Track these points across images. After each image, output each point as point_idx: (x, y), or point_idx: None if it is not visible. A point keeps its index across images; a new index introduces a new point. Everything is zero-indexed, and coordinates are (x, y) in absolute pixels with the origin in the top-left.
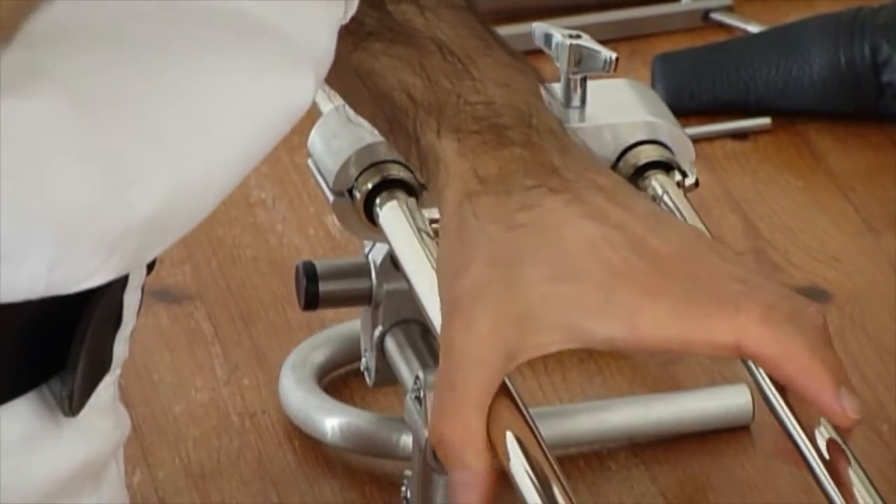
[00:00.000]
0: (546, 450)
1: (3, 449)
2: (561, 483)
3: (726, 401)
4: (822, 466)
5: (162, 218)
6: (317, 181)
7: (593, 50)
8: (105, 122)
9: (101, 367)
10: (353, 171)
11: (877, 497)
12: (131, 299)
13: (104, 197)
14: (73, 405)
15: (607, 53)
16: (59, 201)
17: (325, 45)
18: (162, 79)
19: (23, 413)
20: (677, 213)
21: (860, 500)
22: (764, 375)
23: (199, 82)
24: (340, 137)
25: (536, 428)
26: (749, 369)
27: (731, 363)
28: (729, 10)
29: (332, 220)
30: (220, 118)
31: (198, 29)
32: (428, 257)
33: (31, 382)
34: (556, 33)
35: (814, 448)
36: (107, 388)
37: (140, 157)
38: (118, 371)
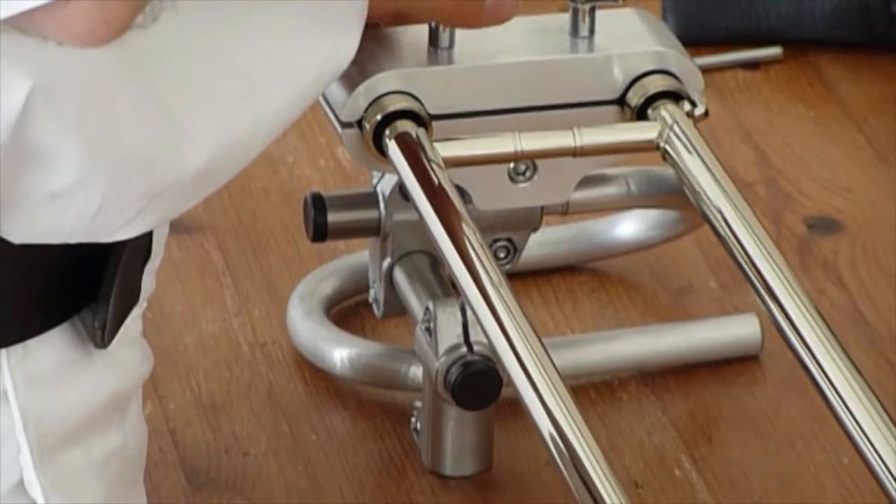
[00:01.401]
0: (557, 379)
1: (37, 379)
2: (573, 413)
3: (736, 330)
4: (834, 394)
5: (206, 172)
6: (326, 113)
7: None
8: (161, 78)
9: (130, 299)
10: (363, 103)
11: (890, 424)
12: (161, 232)
13: (160, 149)
14: (104, 337)
15: None
16: (119, 149)
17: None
18: (215, 39)
19: (57, 344)
20: (687, 143)
21: (873, 428)
22: (774, 306)
23: (250, 43)
24: (350, 69)
25: (549, 358)
26: (761, 298)
27: (741, 293)
28: None
29: (343, 152)
30: (268, 79)
31: None
32: (436, 188)
33: (65, 314)
34: None
35: (825, 377)
36: (134, 321)
37: (193, 113)
38: (144, 304)
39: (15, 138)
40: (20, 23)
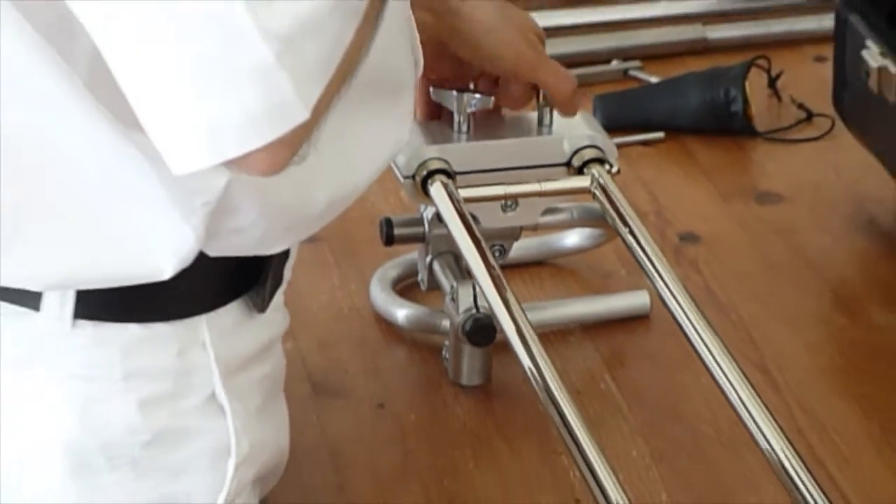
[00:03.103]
0: (530, 329)
1: (223, 332)
2: (539, 349)
3: (636, 300)
4: (697, 338)
5: (322, 214)
6: (393, 170)
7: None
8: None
9: (277, 283)
10: (415, 164)
11: (728, 353)
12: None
13: (298, 202)
14: (262, 306)
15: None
16: (276, 203)
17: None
18: (333, 141)
19: (234, 311)
20: (607, 189)
21: (719, 357)
22: (660, 285)
23: (353, 140)
24: (406, 147)
25: (525, 315)
26: (651, 280)
27: (639, 278)
28: (640, 68)
29: (403, 193)
30: (363, 160)
31: (362, 89)
32: (458, 215)
33: (239, 292)
34: None
35: (691, 327)
36: (279, 296)
37: (317, 182)
38: (285, 285)
39: (217, 201)
40: None
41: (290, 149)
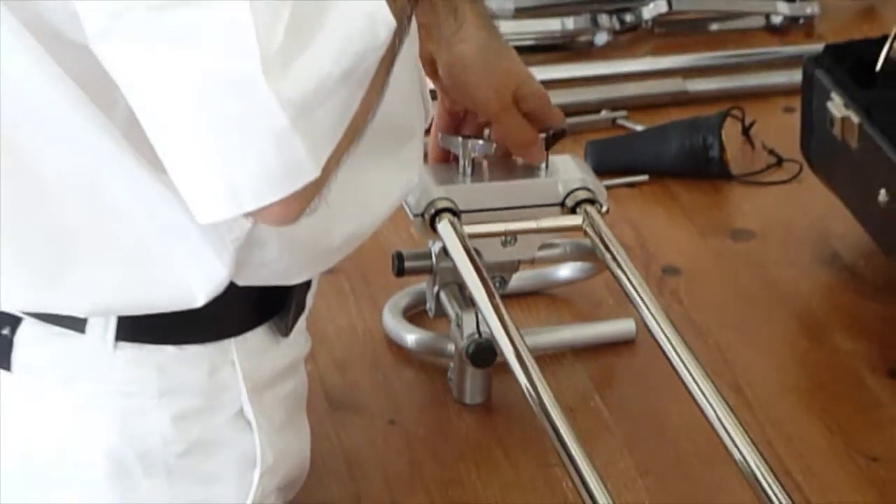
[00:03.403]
0: (527, 352)
1: (250, 353)
2: (535, 371)
3: (622, 326)
4: (677, 359)
5: (340, 248)
6: (404, 209)
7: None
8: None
9: (300, 309)
10: (424, 204)
11: (704, 372)
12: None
13: (320, 238)
14: (286, 331)
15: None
16: (298, 239)
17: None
18: (346, 185)
19: (260, 334)
20: (597, 227)
21: (696, 374)
22: (644, 313)
23: (367, 185)
24: (416, 188)
25: (522, 339)
26: (637, 308)
27: (625, 307)
28: (626, 118)
29: (413, 229)
30: (377, 202)
31: (374, 139)
32: (462, 250)
33: (266, 318)
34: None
35: (673, 351)
36: (302, 321)
37: (335, 219)
38: (307, 312)
39: (245, 238)
40: None
41: (302, 202)
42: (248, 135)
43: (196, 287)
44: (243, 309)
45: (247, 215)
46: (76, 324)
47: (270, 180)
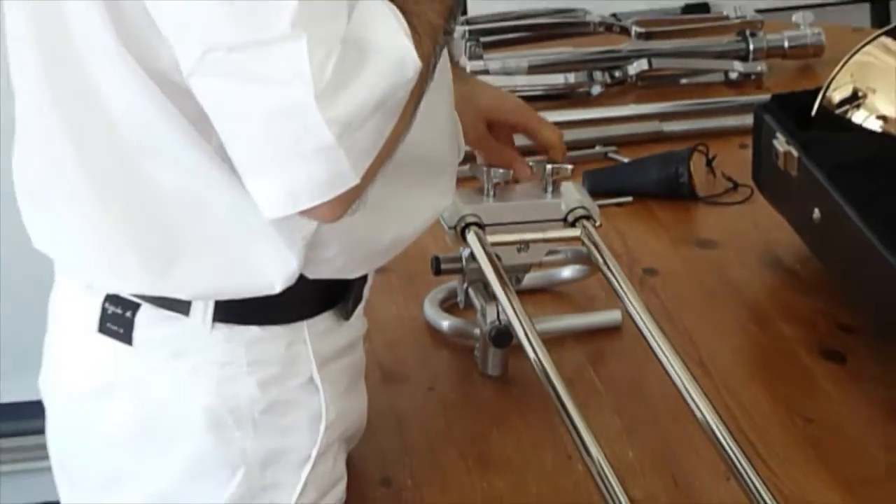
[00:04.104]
0: (536, 335)
1: (318, 333)
2: (542, 351)
3: (611, 315)
4: (655, 343)
5: (388, 249)
6: (441, 222)
7: (562, 167)
8: (369, 213)
9: (359, 299)
10: (454, 219)
11: (676, 353)
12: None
13: (372, 238)
14: (347, 316)
15: (565, 169)
16: (355, 239)
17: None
18: (390, 199)
19: (327, 318)
20: (592, 237)
21: (668, 354)
22: (629, 305)
23: (411, 201)
24: (450, 207)
25: (533, 326)
26: (622, 301)
27: (614, 300)
28: (616, 152)
29: (447, 238)
30: (419, 215)
31: (418, 171)
32: (486, 255)
33: (330, 306)
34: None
35: (651, 336)
36: (360, 308)
37: (385, 223)
38: (364, 302)
39: (312, 236)
40: None
41: (345, 205)
42: (303, 150)
43: (274, 276)
44: (313, 298)
45: (301, 213)
46: (182, 307)
47: (320, 186)
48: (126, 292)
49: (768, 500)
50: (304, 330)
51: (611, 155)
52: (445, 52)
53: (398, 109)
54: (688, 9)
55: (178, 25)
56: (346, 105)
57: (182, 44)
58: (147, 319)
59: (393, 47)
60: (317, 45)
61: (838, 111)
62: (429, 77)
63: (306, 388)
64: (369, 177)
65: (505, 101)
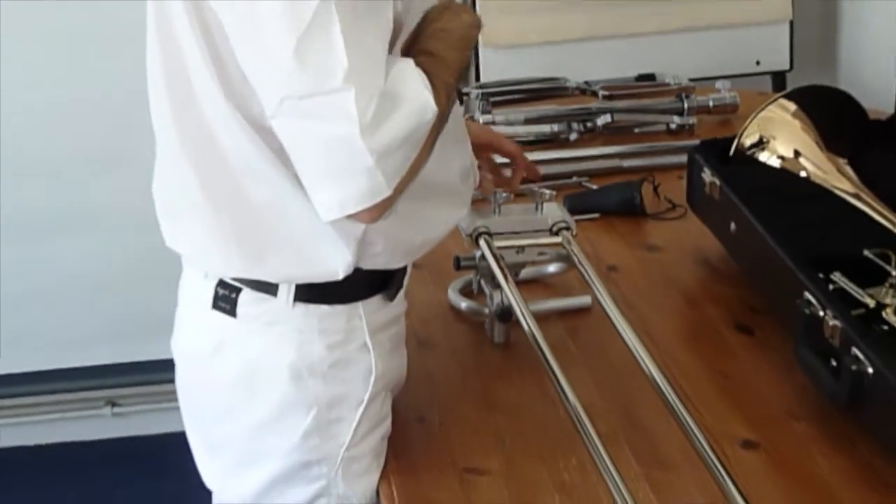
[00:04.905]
0: (530, 314)
1: (371, 310)
2: (534, 324)
3: (584, 300)
4: (619, 321)
5: (420, 247)
6: (460, 230)
7: (548, 192)
8: (401, 220)
9: (400, 285)
10: (470, 229)
11: (632, 333)
12: (410, 265)
13: (406, 237)
14: (392, 297)
15: (550, 193)
16: (396, 238)
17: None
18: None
19: (376, 299)
20: (571, 244)
21: (627, 331)
22: (597, 293)
23: (436, 212)
24: (466, 220)
25: (527, 307)
26: (593, 289)
27: (585, 289)
28: (588, 181)
29: (465, 243)
30: (441, 229)
31: (441, 195)
32: (493, 255)
33: (379, 290)
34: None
35: (617, 317)
36: (402, 292)
37: (417, 228)
38: (405, 287)
39: (362, 235)
40: None
41: (381, 211)
42: (350, 170)
43: (337, 266)
44: (366, 284)
45: (349, 217)
46: (271, 289)
47: (363, 196)
48: (230, 276)
49: (697, 433)
50: (360, 308)
51: (584, 183)
52: (461, 109)
53: (421, 142)
54: (640, 77)
55: (263, 79)
56: (382, 138)
57: (266, 92)
58: (247, 299)
59: (417, 97)
60: (362, 95)
61: (749, 152)
62: (444, 120)
63: (361, 350)
64: (399, 191)
65: (481, 131)
